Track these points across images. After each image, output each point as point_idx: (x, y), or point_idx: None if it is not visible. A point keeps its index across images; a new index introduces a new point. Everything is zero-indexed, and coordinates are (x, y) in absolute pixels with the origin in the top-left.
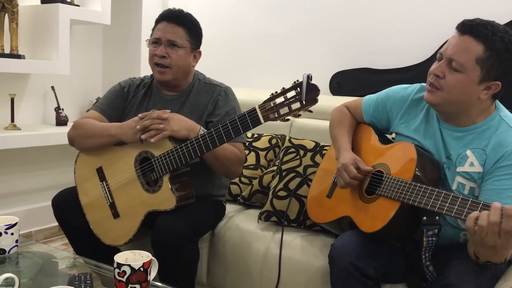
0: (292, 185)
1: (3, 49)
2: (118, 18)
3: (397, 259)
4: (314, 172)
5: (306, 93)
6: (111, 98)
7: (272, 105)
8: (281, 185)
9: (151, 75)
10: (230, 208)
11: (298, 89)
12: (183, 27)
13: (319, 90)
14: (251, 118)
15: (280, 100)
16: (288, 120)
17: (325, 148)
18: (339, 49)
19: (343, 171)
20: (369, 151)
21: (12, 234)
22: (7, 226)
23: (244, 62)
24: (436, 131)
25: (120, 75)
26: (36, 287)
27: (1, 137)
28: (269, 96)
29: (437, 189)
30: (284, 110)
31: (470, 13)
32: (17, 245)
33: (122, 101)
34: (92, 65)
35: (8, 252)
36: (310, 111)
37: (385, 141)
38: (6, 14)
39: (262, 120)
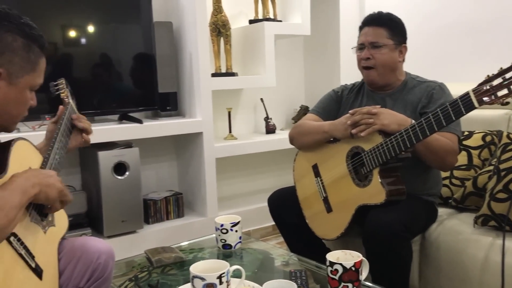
0: None
1: (220, 69)
2: (317, 28)
3: None
4: None
5: None
6: (325, 103)
7: (488, 87)
8: (500, 186)
9: (362, 80)
10: (441, 211)
11: None
12: (383, 27)
13: None
14: (463, 102)
15: (497, 81)
16: (507, 103)
17: None
18: None
19: None
20: None
21: (236, 231)
22: (232, 224)
23: (447, 55)
24: None
25: (321, 82)
26: (258, 279)
27: (223, 147)
28: (484, 79)
29: None
30: (503, 92)
31: None
32: (240, 241)
33: (336, 104)
34: (295, 75)
35: (234, 248)
36: None
37: None
38: (222, 38)
39: (476, 104)
